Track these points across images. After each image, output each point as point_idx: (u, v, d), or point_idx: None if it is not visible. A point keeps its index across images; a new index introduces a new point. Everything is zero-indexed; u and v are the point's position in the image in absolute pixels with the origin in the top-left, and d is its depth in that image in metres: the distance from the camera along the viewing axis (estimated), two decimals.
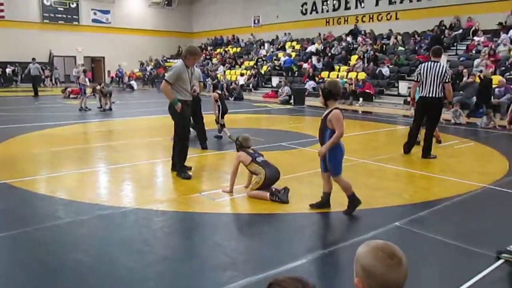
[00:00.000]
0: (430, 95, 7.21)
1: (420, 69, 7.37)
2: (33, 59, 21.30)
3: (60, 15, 31.90)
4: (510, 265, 3.43)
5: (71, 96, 19.94)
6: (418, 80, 7.40)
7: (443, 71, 7.15)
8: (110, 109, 14.98)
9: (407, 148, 7.72)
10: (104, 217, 4.41)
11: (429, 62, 7.33)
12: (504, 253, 3.52)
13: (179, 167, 6.09)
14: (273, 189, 4.99)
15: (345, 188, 4.55)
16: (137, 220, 4.37)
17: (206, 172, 6.59)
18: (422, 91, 7.34)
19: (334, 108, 4.39)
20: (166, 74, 6.08)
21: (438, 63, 7.25)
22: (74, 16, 32.51)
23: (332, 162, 4.48)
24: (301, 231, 4.25)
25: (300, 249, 3.70)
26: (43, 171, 6.58)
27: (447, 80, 7.22)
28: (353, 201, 4.55)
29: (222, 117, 9.19)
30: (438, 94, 7.22)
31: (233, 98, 20.36)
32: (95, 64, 34.96)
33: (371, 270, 1.38)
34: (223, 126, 9.22)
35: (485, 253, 3.61)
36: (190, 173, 6.03)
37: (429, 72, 7.19)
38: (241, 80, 24.36)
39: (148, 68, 32.19)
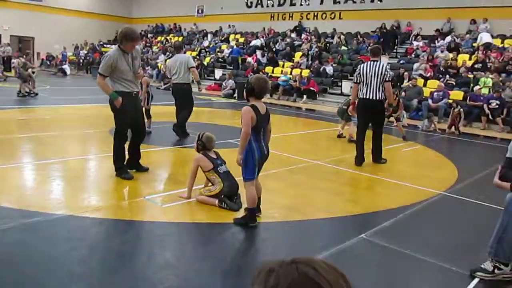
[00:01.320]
0: (371, 97, 6.74)
1: (360, 70, 6.91)
2: None
3: None
4: (485, 283, 3.24)
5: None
6: (358, 81, 6.89)
7: (383, 70, 6.69)
8: (32, 93, 13.51)
9: (359, 161, 6.91)
10: (29, 226, 3.70)
11: (369, 62, 6.89)
12: (478, 271, 3.33)
13: (118, 167, 5.38)
14: (222, 196, 4.50)
15: (249, 199, 4.00)
16: (70, 231, 3.70)
17: (150, 172, 5.91)
18: (362, 93, 6.83)
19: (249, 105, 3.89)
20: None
21: (378, 62, 6.81)
22: None
23: (243, 164, 3.93)
24: (262, 243, 3.85)
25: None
26: None
27: (387, 79, 6.74)
28: (250, 218, 4.01)
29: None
30: (380, 96, 6.75)
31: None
32: (23, 45, 32.26)
33: None
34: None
35: (457, 271, 3.39)
36: (131, 174, 5.36)
37: (369, 72, 6.70)
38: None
39: (83, 52, 30.22)
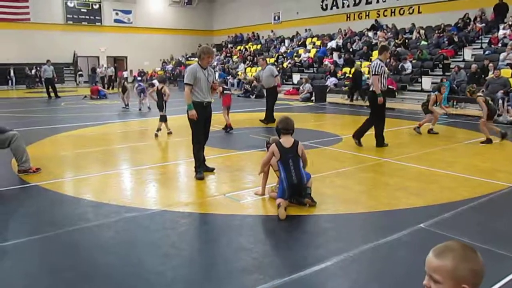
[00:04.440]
0: (370, 89, 8.26)
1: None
2: (48, 60, 21.29)
3: (83, 16, 32.59)
4: None
5: (93, 97, 20.23)
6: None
7: (371, 65, 8.20)
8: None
9: (379, 143, 8.25)
10: (132, 219, 4.53)
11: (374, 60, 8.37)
12: None
13: (195, 167, 6.22)
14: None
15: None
16: (164, 223, 4.47)
17: (230, 172, 6.63)
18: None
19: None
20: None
21: (374, 60, 8.56)
22: (97, 17, 33.16)
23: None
24: (326, 233, 4.28)
25: (326, 251, 3.74)
26: (72, 173, 6.77)
27: (373, 73, 7.99)
28: None
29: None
30: (372, 87, 8.09)
31: (254, 96, 20.41)
32: (118, 64, 35.55)
33: (475, 270, 1.48)
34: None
35: (511, 256, 3.58)
36: (202, 175, 6.09)
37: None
38: None
39: (169, 67, 32.50)
